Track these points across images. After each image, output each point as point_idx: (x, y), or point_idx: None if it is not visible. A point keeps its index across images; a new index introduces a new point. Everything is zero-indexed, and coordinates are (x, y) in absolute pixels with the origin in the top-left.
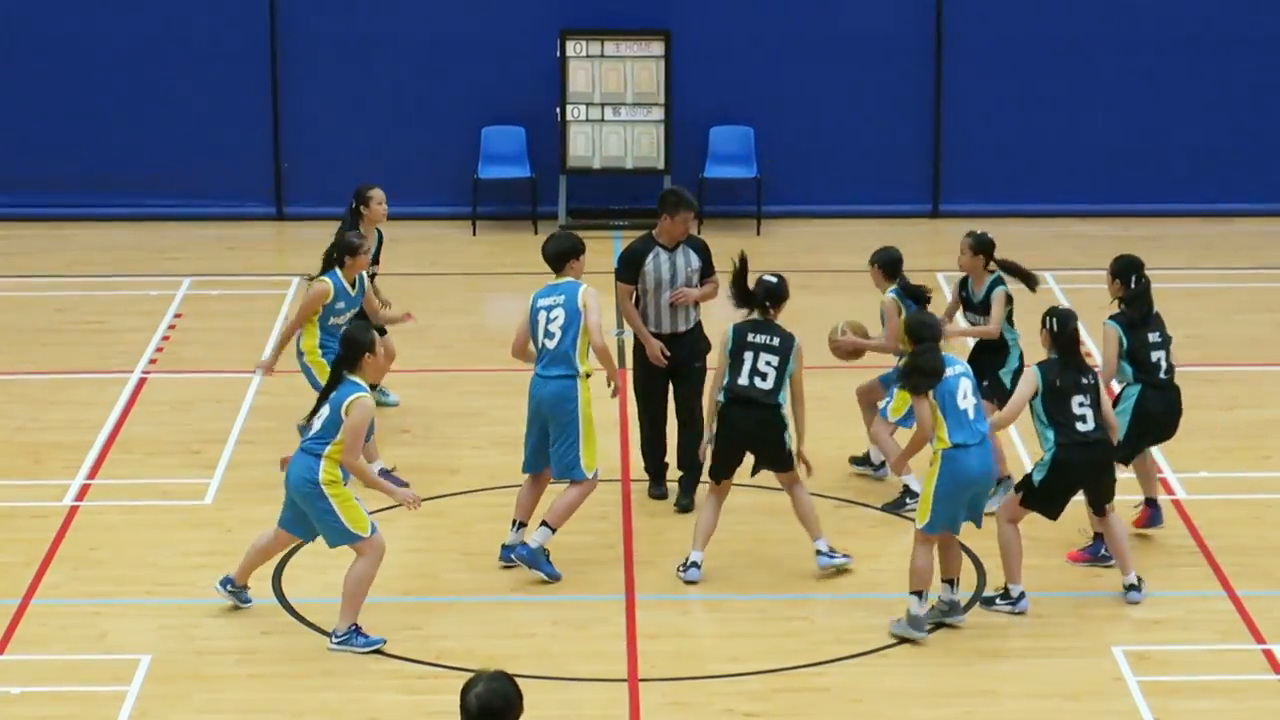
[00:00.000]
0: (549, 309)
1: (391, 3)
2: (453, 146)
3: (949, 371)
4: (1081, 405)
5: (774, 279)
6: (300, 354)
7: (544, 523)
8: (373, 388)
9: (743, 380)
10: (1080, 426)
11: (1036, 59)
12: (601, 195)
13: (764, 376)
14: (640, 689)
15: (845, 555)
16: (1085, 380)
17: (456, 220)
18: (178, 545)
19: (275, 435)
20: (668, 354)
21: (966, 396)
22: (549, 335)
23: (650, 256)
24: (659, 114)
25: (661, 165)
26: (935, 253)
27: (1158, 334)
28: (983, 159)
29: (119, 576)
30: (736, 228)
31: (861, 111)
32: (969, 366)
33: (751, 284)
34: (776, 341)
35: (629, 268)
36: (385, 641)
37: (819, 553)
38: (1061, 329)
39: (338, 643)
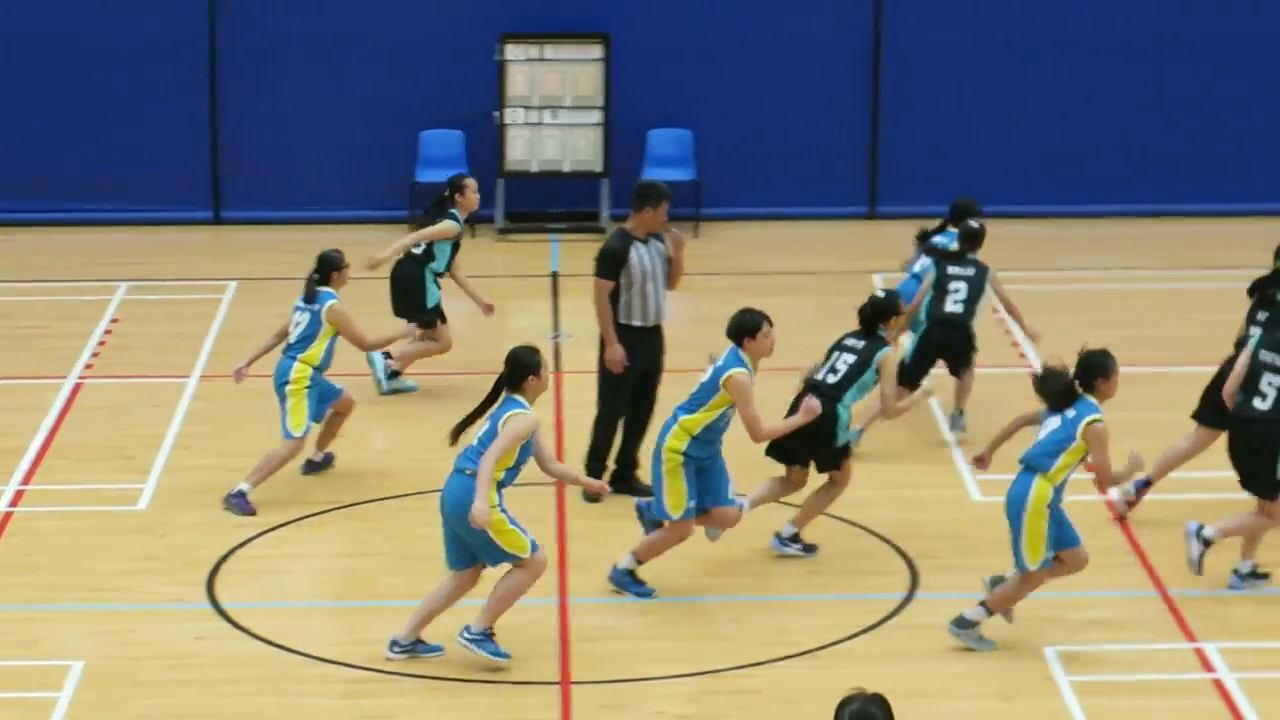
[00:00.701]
0: None
1: (330, 7)
2: (390, 150)
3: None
4: None
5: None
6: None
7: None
8: (394, 374)
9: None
10: None
11: (973, 61)
12: (539, 198)
13: (835, 372)
14: (573, 692)
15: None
16: None
17: (394, 224)
18: (113, 551)
19: (212, 440)
20: (627, 363)
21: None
22: None
23: (633, 251)
24: (597, 117)
25: (600, 168)
26: (872, 254)
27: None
28: (920, 161)
29: (53, 582)
30: None
31: (800, 114)
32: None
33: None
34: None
35: (614, 265)
36: (510, 657)
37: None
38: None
39: (468, 639)
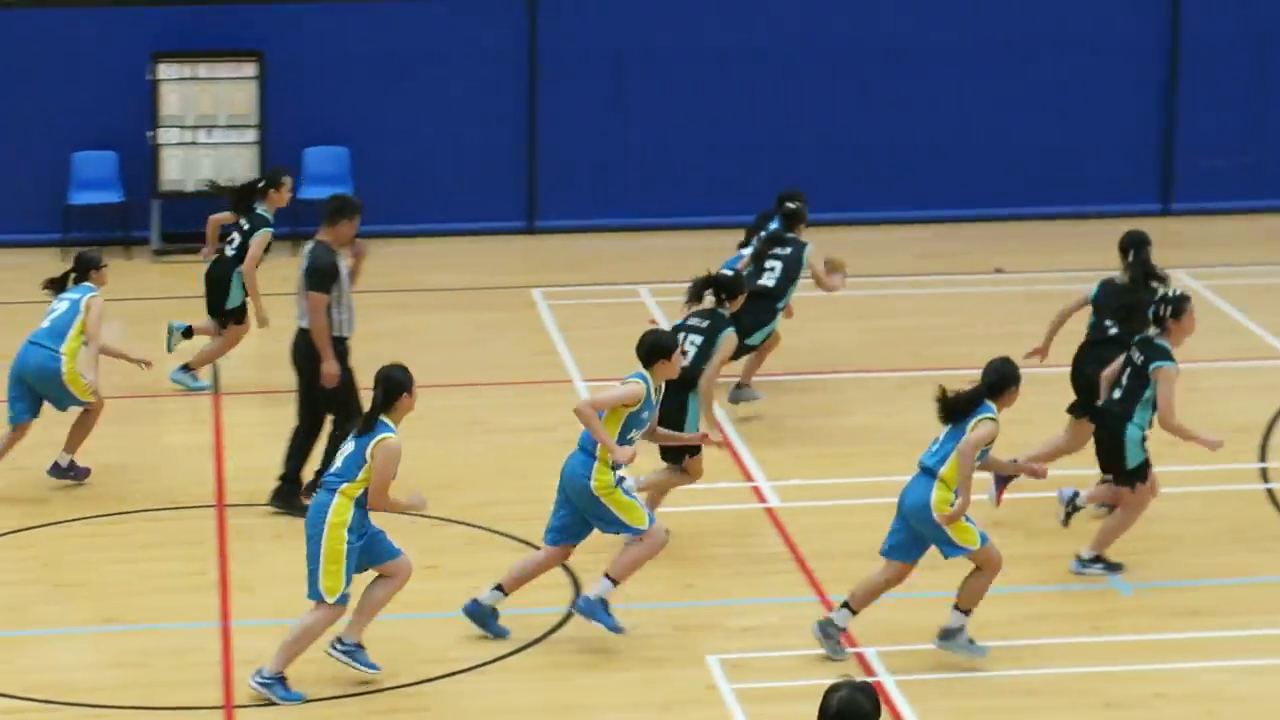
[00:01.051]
0: None
1: None
2: (43, 172)
3: None
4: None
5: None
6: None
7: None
8: (187, 368)
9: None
10: None
11: (632, 71)
12: (196, 218)
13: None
14: (236, 716)
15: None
16: None
17: (48, 247)
18: None
19: None
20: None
21: None
22: None
23: (340, 263)
24: (253, 135)
25: None
26: (531, 269)
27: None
28: (580, 176)
29: None
30: None
31: (458, 130)
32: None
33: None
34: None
35: (328, 278)
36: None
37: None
38: None
39: (342, 649)
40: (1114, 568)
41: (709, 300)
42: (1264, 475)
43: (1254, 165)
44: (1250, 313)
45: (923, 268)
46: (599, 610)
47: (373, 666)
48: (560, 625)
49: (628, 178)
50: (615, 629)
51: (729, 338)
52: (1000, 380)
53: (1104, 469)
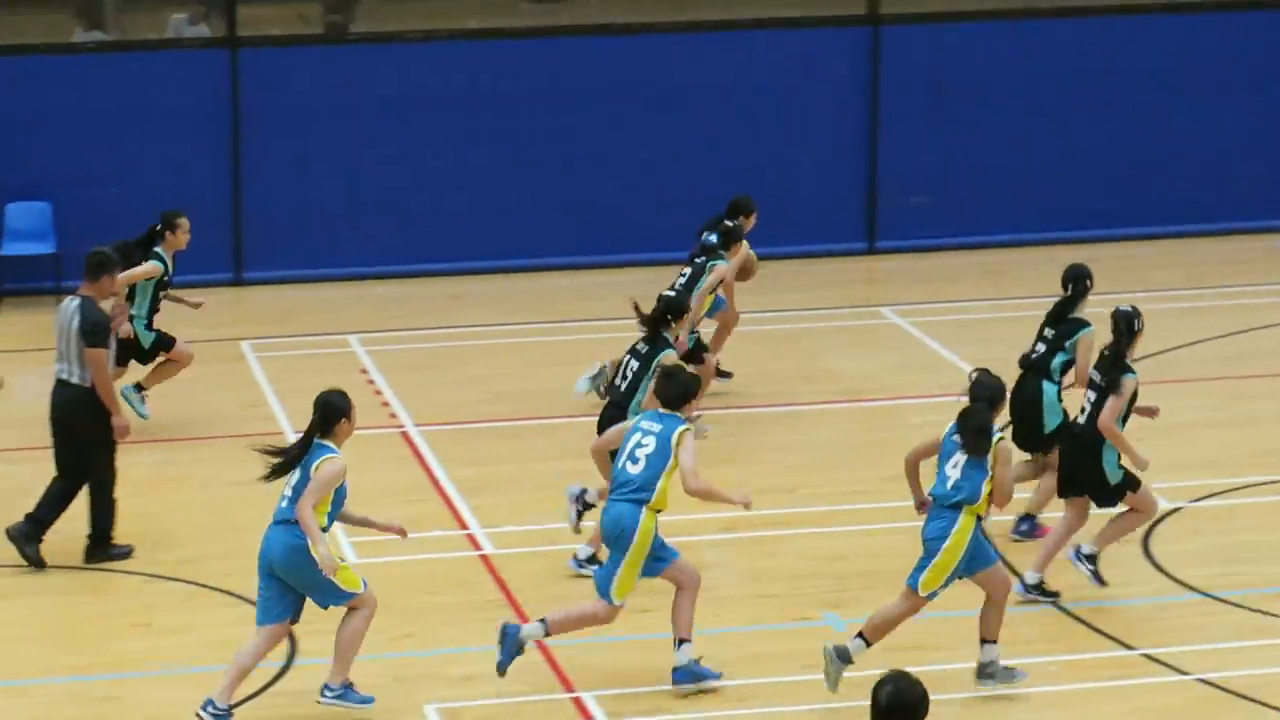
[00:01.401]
0: None
1: None
2: None
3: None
4: None
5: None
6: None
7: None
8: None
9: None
10: None
11: (331, 125)
12: None
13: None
14: None
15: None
16: None
17: None
18: None
19: None
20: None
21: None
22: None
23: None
24: None
25: None
26: (239, 321)
27: None
28: (284, 228)
29: None
30: (35, 305)
31: (159, 183)
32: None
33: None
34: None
35: (105, 332)
36: (374, 701)
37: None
38: None
39: (333, 697)
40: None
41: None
42: None
43: (953, 202)
44: (958, 348)
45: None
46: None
47: (366, 700)
48: (276, 678)
49: (333, 229)
50: None
51: (668, 358)
52: (1000, 395)
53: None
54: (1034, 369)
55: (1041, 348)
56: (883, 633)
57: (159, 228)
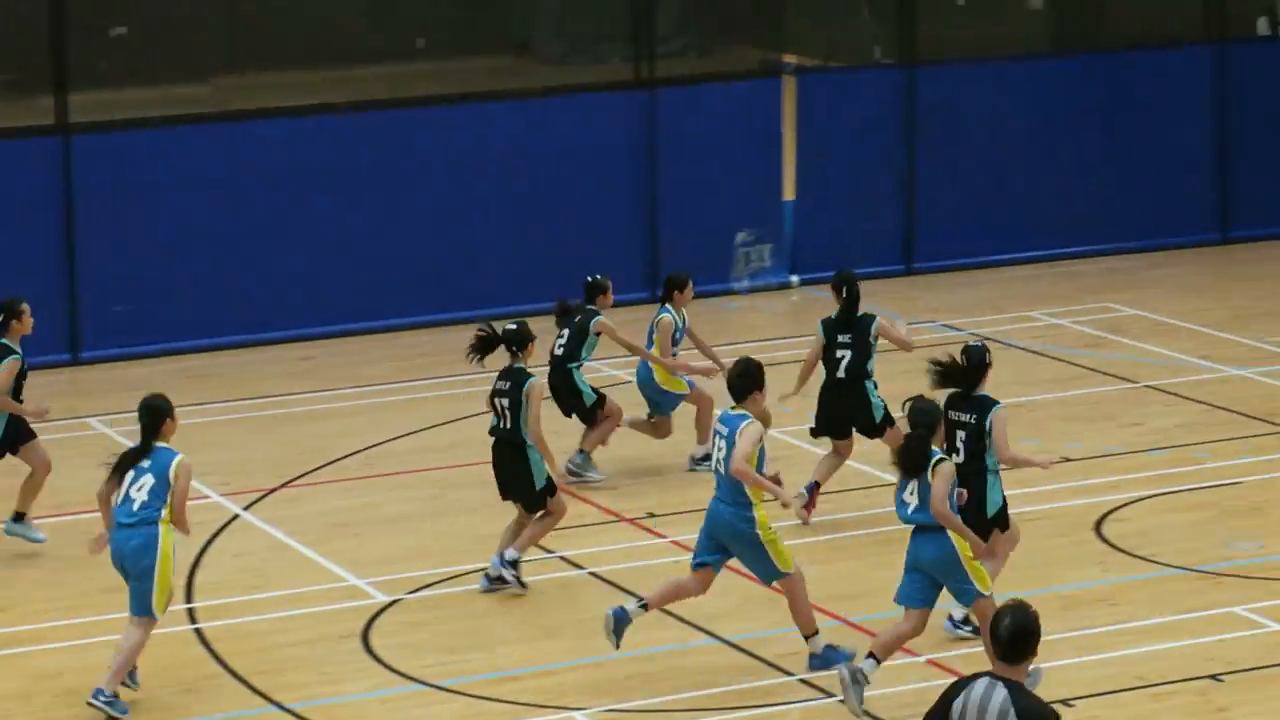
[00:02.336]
0: None
1: None
2: None
3: None
4: None
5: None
6: None
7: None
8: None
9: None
10: None
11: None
12: None
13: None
14: None
15: None
16: None
17: None
18: None
19: None
20: None
21: None
22: None
23: None
24: None
25: None
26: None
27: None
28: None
29: None
30: None
31: None
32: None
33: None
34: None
35: None
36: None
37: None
38: None
39: (105, 700)
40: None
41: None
42: None
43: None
44: None
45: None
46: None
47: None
48: None
49: (166, 305)
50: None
51: (533, 386)
52: (936, 420)
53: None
54: None
55: None
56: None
57: (2, 318)
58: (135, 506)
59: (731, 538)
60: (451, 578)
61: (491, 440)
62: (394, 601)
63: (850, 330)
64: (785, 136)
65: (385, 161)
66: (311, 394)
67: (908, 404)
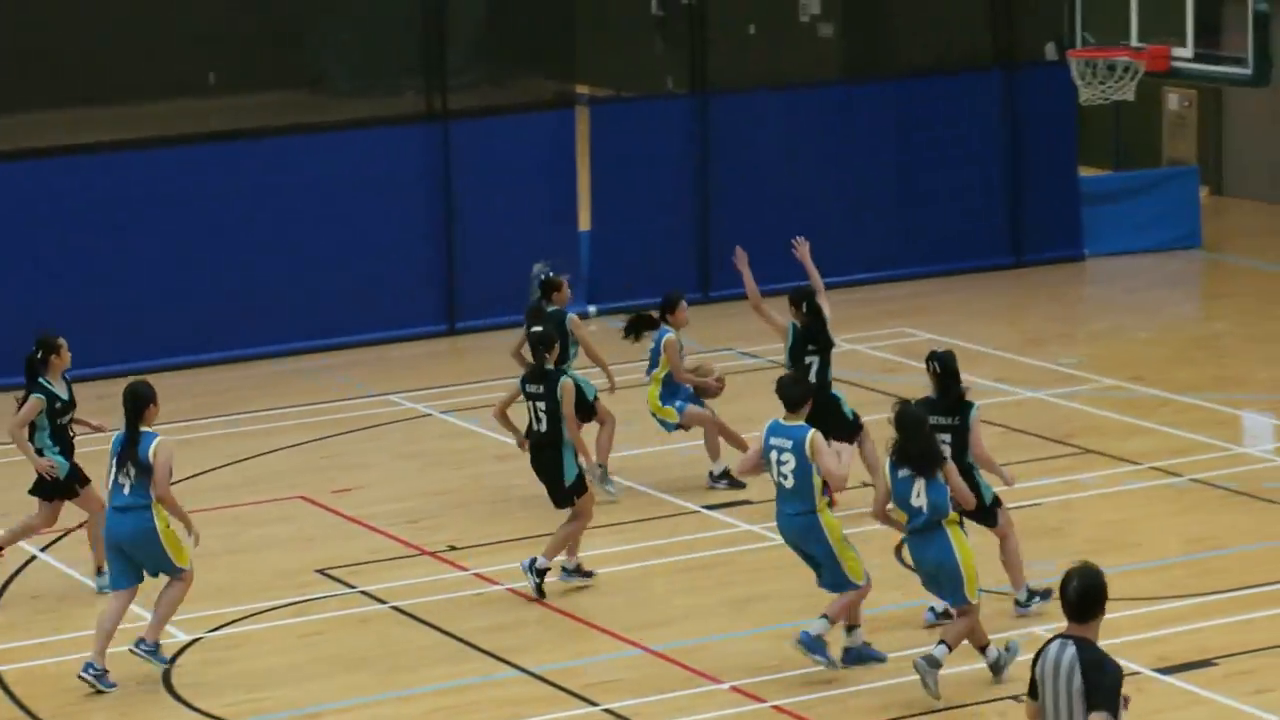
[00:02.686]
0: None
1: None
2: None
3: None
4: None
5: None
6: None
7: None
8: None
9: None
10: None
11: None
12: None
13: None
14: None
15: None
16: None
17: None
18: None
19: None
20: None
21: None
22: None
23: None
24: None
25: None
26: None
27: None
28: None
29: None
30: None
31: None
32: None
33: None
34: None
35: None
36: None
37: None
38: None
39: (146, 649)
40: None
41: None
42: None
43: None
44: None
45: None
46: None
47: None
48: None
49: None
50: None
51: (565, 384)
52: (925, 419)
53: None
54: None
55: None
56: (960, 640)
57: (38, 355)
58: (125, 491)
59: (812, 543)
60: (252, 615)
61: (530, 446)
62: (195, 640)
63: (817, 340)
64: (580, 167)
65: (177, 198)
66: (111, 433)
67: (896, 409)
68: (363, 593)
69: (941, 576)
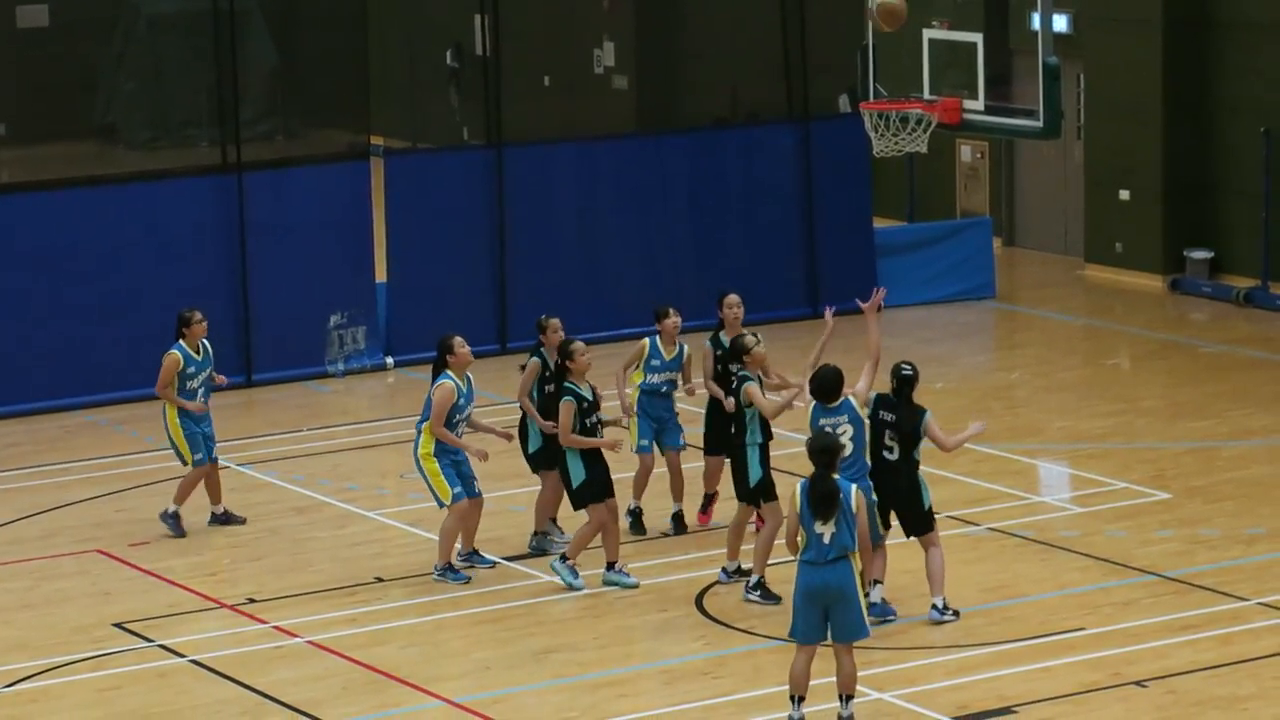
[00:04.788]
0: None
1: None
2: None
3: None
4: None
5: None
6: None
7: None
8: None
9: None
10: None
11: None
12: None
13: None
14: None
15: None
16: None
17: None
18: None
19: None
20: None
21: None
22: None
23: None
24: None
25: None
26: None
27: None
28: None
29: None
30: None
31: None
32: None
33: None
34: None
35: None
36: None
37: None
38: None
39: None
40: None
41: None
42: None
43: None
44: None
45: None
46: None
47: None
48: None
49: None
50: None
51: (564, 403)
52: (838, 452)
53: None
54: None
55: None
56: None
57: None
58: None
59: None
60: (48, 669)
61: None
62: None
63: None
64: (375, 218)
65: None
66: None
67: (810, 442)
68: (161, 646)
69: (843, 599)
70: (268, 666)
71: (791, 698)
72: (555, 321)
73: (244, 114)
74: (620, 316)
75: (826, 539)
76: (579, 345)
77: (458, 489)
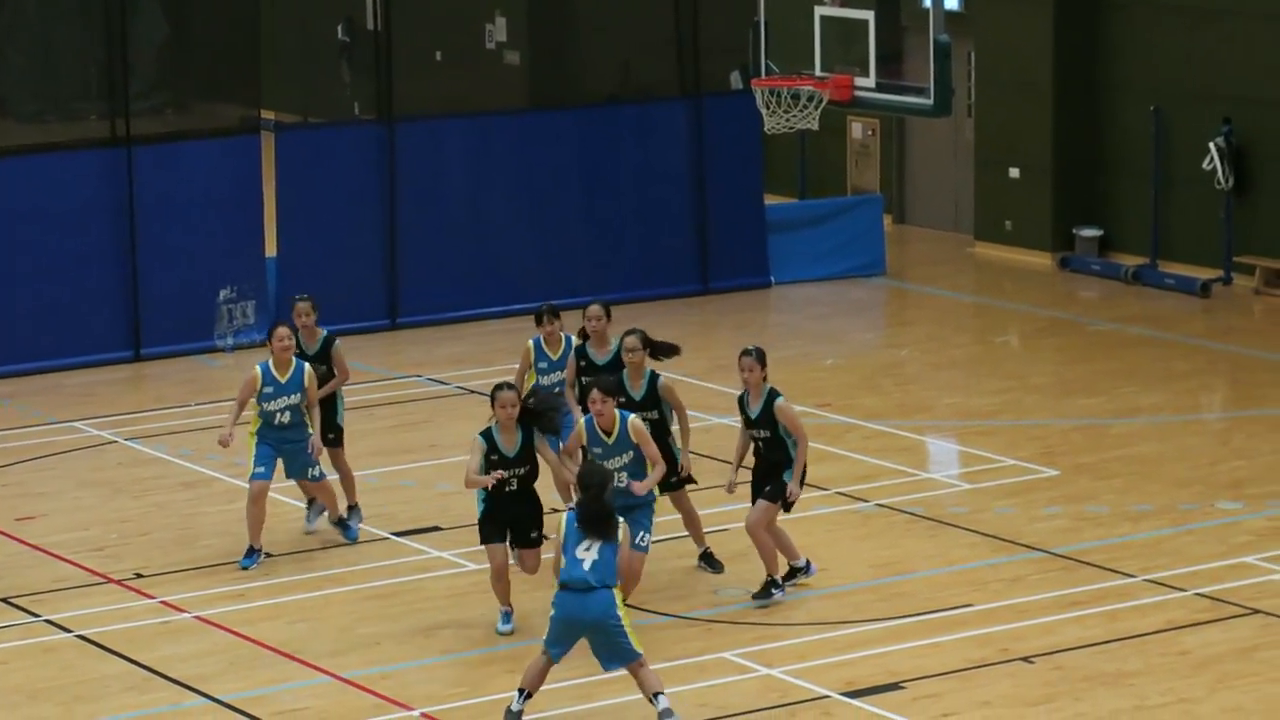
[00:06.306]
0: None
1: None
2: None
3: None
4: None
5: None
6: None
7: None
8: None
9: None
10: None
11: None
12: None
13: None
14: None
15: None
16: None
17: None
18: None
19: None
20: None
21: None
22: None
23: None
24: None
25: None
26: None
27: None
28: None
29: None
30: None
31: None
32: None
33: None
34: None
35: None
36: None
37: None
38: None
39: None
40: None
41: None
42: None
43: None
44: None
45: None
46: None
47: None
48: None
49: None
50: None
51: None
52: (610, 479)
53: None
54: None
55: None
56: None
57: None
58: None
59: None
60: None
61: None
62: None
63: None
64: (266, 193)
65: None
66: None
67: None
68: (47, 621)
69: (608, 632)
70: (155, 641)
71: (520, 690)
72: (595, 309)
73: (133, 87)
74: (511, 293)
75: (587, 565)
76: (506, 396)
77: (258, 469)
